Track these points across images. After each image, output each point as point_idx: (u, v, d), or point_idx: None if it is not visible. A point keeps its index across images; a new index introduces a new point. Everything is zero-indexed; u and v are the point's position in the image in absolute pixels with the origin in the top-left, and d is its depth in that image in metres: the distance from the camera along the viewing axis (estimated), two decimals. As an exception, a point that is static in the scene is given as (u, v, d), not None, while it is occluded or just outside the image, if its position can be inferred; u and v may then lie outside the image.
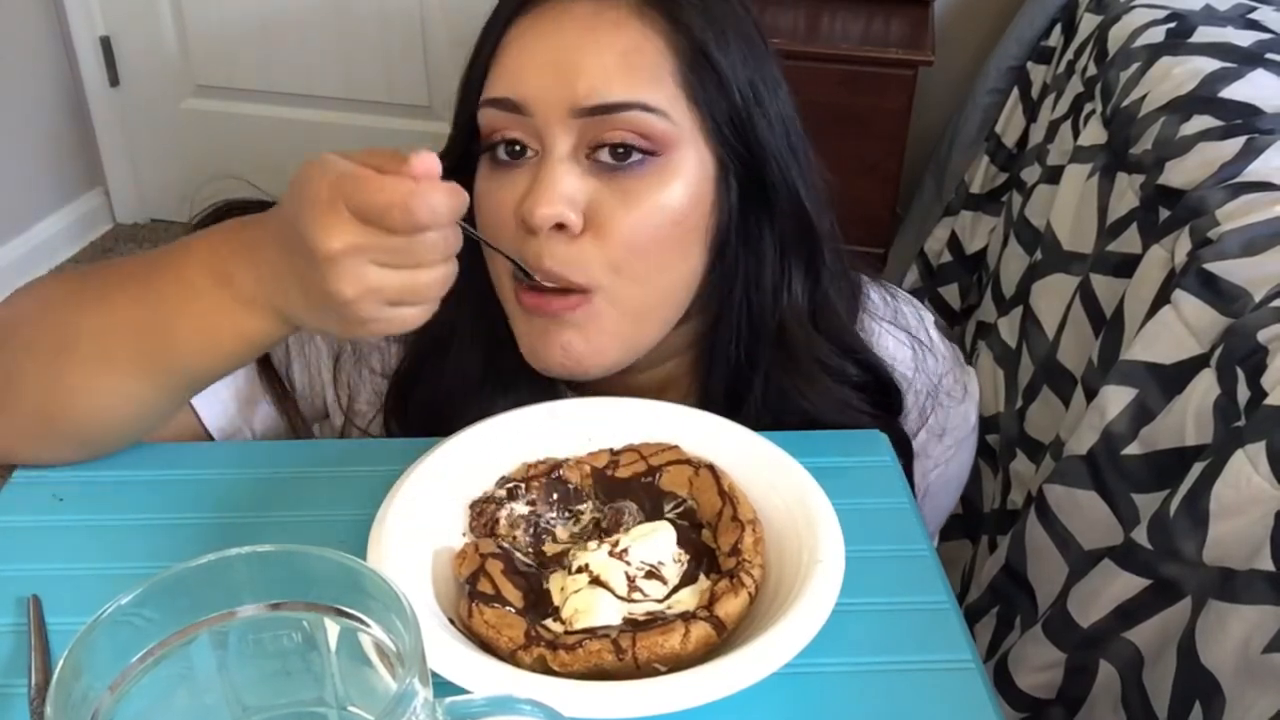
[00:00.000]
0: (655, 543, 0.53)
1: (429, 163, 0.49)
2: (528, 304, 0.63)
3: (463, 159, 0.66)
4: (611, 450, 0.61)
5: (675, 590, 0.53)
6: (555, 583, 0.54)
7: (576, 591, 0.51)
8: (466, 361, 0.69)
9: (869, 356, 0.72)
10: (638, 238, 0.61)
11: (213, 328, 0.55)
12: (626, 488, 0.59)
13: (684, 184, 0.62)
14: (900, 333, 0.75)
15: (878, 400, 0.72)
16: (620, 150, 0.61)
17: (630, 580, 0.52)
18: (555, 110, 0.60)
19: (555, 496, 0.59)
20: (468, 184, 0.66)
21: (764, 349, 0.68)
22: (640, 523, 0.56)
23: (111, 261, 0.64)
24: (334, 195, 0.49)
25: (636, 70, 0.61)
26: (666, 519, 0.57)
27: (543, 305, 0.62)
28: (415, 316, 0.53)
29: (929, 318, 0.78)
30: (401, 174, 0.49)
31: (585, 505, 0.59)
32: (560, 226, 0.60)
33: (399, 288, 0.51)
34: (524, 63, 0.61)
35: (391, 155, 0.51)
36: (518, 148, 0.62)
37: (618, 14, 0.61)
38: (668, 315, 0.66)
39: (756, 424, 0.62)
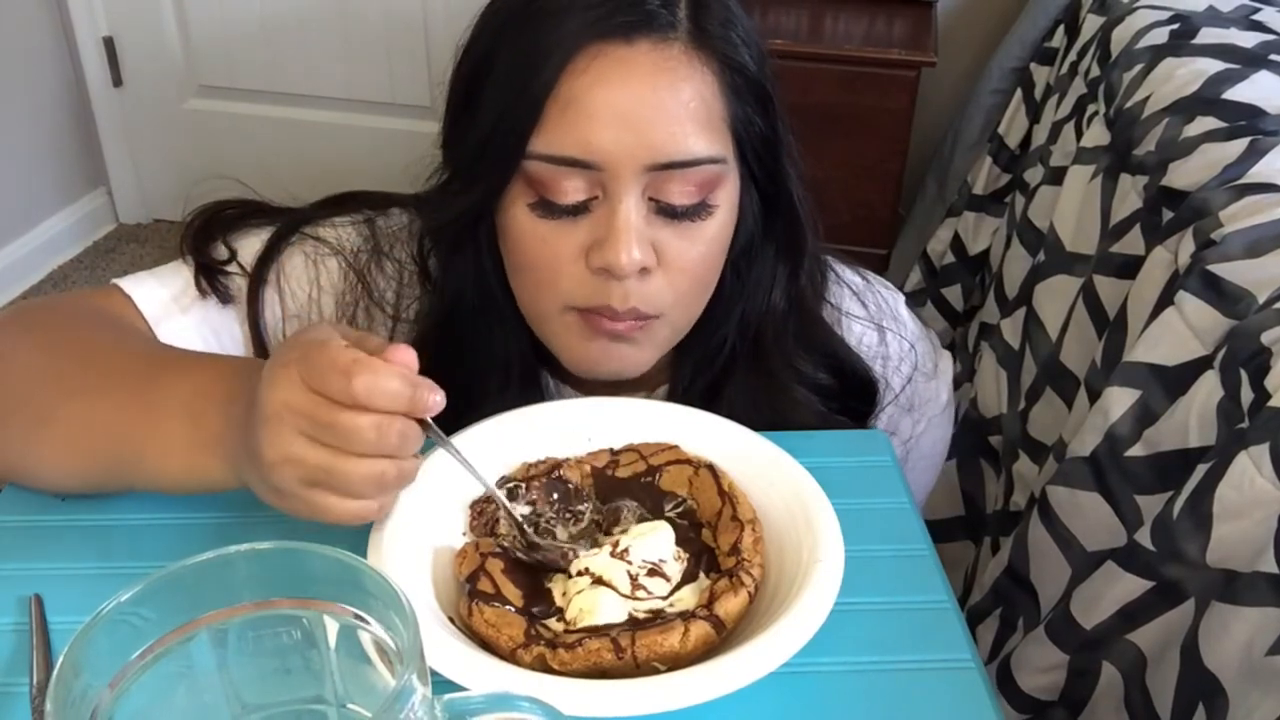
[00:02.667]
0: (655, 541, 0.53)
1: (404, 355, 0.49)
2: (606, 328, 0.64)
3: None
4: (611, 450, 0.61)
5: (678, 588, 0.53)
6: (557, 586, 0.54)
7: (580, 593, 0.51)
8: (476, 373, 0.70)
9: (841, 355, 0.74)
10: (698, 268, 0.65)
11: (170, 457, 0.55)
12: (626, 487, 0.59)
13: (728, 210, 0.65)
14: (865, 319, 0.77)
15: (848, 407, 0.74)
16: (683, 198, 0.62)
17: (633, 579, 0.52)
18: (628, 166, 0.60)
19: (555, 496, 0.59)
20: (478, 221, 0.66)
21: (744, 351, 0.71)
22: (639, 518, 0.56)
23: (111, 338, 0.64)
24: (295, 357, 0.48)
25: (701, 122, 0.62)
26: (666, 518, 0.57)
27: (613, 329, 0.64)
28: (333, 508, 0.49)
29: (900, 298, 0.81)
30: (393, 352, 0.48)
31: (585, 505, 0.59)
32: (643, 269, 0.62)
33: (317, 465, 0.48)
34: (594, 118, 0.59)
35: (380, 342, 0.50)
36: (581, 198, 0.62)
37: (679, 62, 0.61)
38: (694, 321, 0.70)
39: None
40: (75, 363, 0.60)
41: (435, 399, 0.49)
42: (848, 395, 0.74)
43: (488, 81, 0.63)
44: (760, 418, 0.70)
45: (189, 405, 0.55)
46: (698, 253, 0.64)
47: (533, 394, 0.72)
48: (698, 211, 0.63)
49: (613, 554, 0.53)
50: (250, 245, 0.71)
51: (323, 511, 0.49)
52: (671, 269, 0.64)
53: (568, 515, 0.58)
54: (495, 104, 0.62)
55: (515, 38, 0.62)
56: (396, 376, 0.47)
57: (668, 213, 0.62)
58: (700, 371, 0.72)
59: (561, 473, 0.59)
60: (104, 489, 0.60)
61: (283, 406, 0.48)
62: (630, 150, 0.60)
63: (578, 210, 0.62)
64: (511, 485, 0.59)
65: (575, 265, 0.63)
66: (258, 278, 0.70)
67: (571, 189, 0.61)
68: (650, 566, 0.52)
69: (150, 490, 0.58)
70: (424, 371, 0.70)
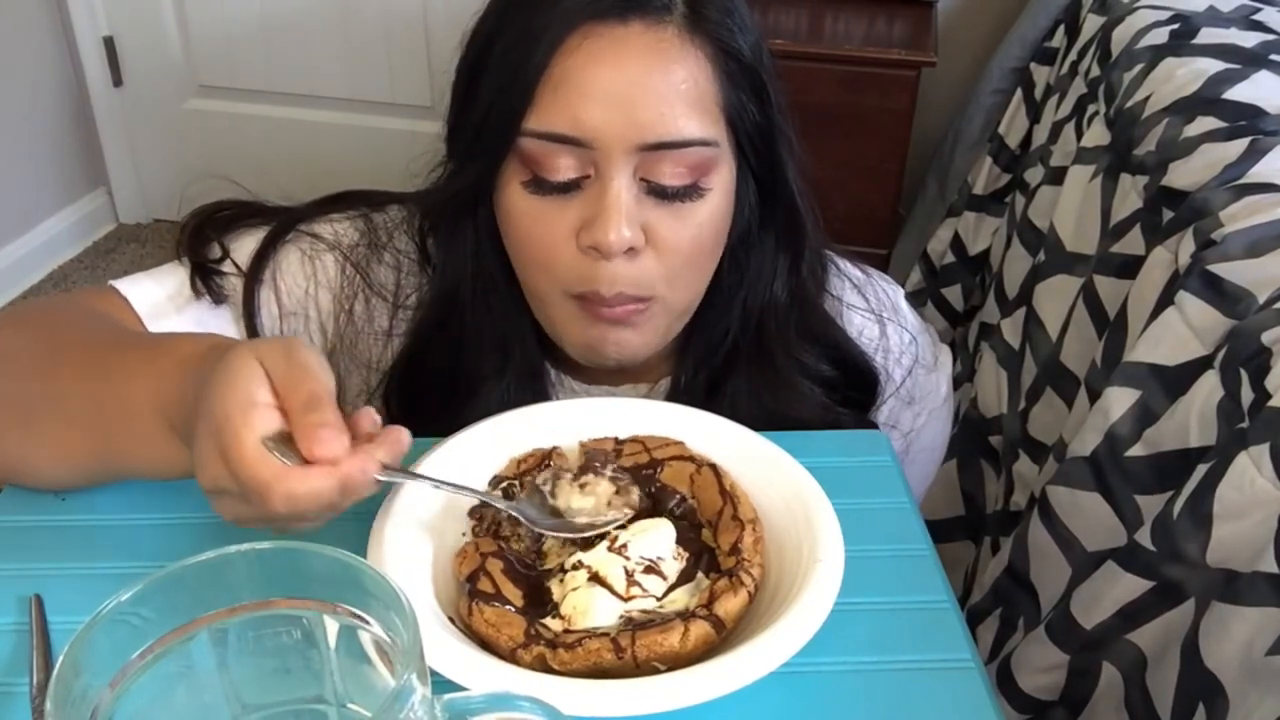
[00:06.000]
0: (655, 538, 0.53)
1: (329, 448, 0.45)
2: (603, 315, 0.65)
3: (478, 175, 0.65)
4: (616, 439, 0.61)
5: (673, 588, 0.53)
6: (557, 585, 0.54)
7: (575, 590, 0.51)
8: (477, 357, 0.70)
9: (843, 346, 0.74)
10: (690, 251, 0.65)
11: (152, 451, 0.54)
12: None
13: (722, 195, 0.65)
14: (866, 311, 0.78)
15: (850, 398, 0.74)
16: (674, 179, 0.62)
17: (629, 575, 0.52)
18: (618, 144, 0.61)
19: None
20: (476, 202, 0.66)
21: (747, 343, 0.71)
22: (643, 499, 0.56)
23: (87, 332, 0.63)
24: (215, 436, 0.47)
25: (693, 104, 0.62)
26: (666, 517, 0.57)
27: (609, 315, 0.65)
28: (289, 531, 0.50)
29: (900, 291, 0.81)
30: (318, 442, 0.45)
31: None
32: (630, 249, 0.63)
33: (267, 520, 0.48)
34: (585, 96, 0.60)
35: (309, 400, 0.46)
36: (573, 176, 0.62)
37: (672, 44, 0.62)
38: (695, 307, 0.70)
39: (734, 418, 0.64)
40: (56, 361, 0.60)
41: (368, 473, 0.46)
42: (849, 387, 0.75)
43: (488, 64, 0.64)
44: (762, 410, 0.70)
45: (155, 399, 0.54)
46: (689, 234, 0.64)
47: (535, 383, 0.72)
48: (689, 193, 0.63)
49: (610, 549, 0.53)
50: (246, 245, 0.71)
51: (278, 532, 0.50)
52: (662, 250, 0.64)
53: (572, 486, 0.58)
54: (493, 84, 0.63)
55: (514, 19, 0.63)
56: (315, 478, 0.45)
57: (659, 193, 0.63)
58: (703, 364, 0.73)
59: (552, 462, 0.59)
60: (98, 482, 0.61)
61: (215, 488, 0.48)
62: (620, 129, 0.60)
63: (569, 188, 0.63)
64: (506, 485, 0.59)
65: (567, 245, 0.63)
66: (253, 277, 0.70)
67: (563, 166, 0.62)
68: (648, 563, 0.52)
69: (142, 479, 0.59)
70: (425, 360, 0.71)
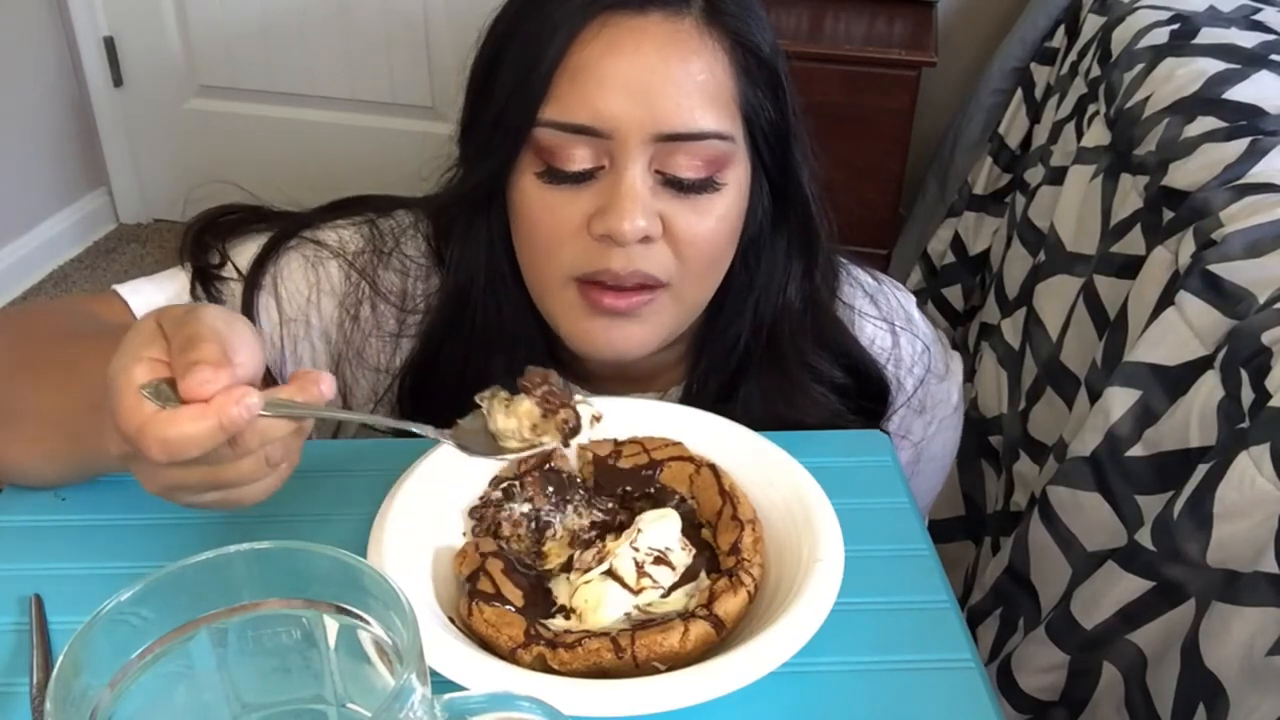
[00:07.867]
0: (663, 528, 0.53)
1: (198, 381, 0.44)
2: (606, 306, 0.64)
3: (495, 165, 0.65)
4: (615, 441, 0.61)
5: (682, 581, 0.53)
6: (559, 585, 0.54)
7: (587, 583, 0.51)
8: (486, 357, 0.70)
9: (855, 355, 0.74)
10: (705, 243, 0.65)
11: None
12: (627, 478, 0.59)
13: (737, 192, 0.65)
14: (878, 319, 0.77)
15: (862, 406, 0.74)
16: (690, 171, 0.62)
17: (639, 566, 0.52)
18: (635, 135, 0.61)
19: (551, 488, 0.58)
20: (490, 199, 0.66)
21: (759, 347, 0.71)
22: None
23: (69, 325, 0.63)
24: (107, 400, 0.46)
25: (710, 96, 0.62)
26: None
27: (612, 306, 0.64)
28: (242, 499, 0.49)
29: (912, 299, 0.81)
30: (188, 377, 0.44)
31: (585, 501, 0.59)
32: (646, 238, 0.62)
33: (199, 481, 0.47)
34: (603, 85, 0.60)
35: (185, 341, 0.45)
36: (588, 166, 0.62)
37: (690, 36, 0.62)
38: (702, 308, 0.69)
39: (745, 424, 0.63)
40: (39, 360, 0.60)
41: (248, 408, 0.44)
42: (862, 395, 0.74)
43: (504, 58, 0.64)
44: (775, 416, 0.69)
45: None
46: (706, 227, 0.64)
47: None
48: (704, 187, 0.63)
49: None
50: (248, 250, 0.71)
51: (233, 506, 0.49)
52: (679, 241, 0.64)
53: (567, 505, 0.58)
54: (509, 77, 0.63)
55: (530, 15, 0.63)
56: (185, 419, 0.44)
57: (674, 185, 0.63)
58: (715, 370, 0.72)
59: (554, 463, 0.59)
60: (81, 477, 0.61)
61: (122, 453, 0.47)
62: (638, 119, 0.60)
63: (583, 178, 0.62)
64: (506, 485, 0.59)
65: (578, 234, 0.63)
66: (252, 283, 0.70)
67: (579, 156, 0.62)
68: (657, 554, 0.53)
69: (117, 474, 0.58)
70: (436, 361, 0.70)
